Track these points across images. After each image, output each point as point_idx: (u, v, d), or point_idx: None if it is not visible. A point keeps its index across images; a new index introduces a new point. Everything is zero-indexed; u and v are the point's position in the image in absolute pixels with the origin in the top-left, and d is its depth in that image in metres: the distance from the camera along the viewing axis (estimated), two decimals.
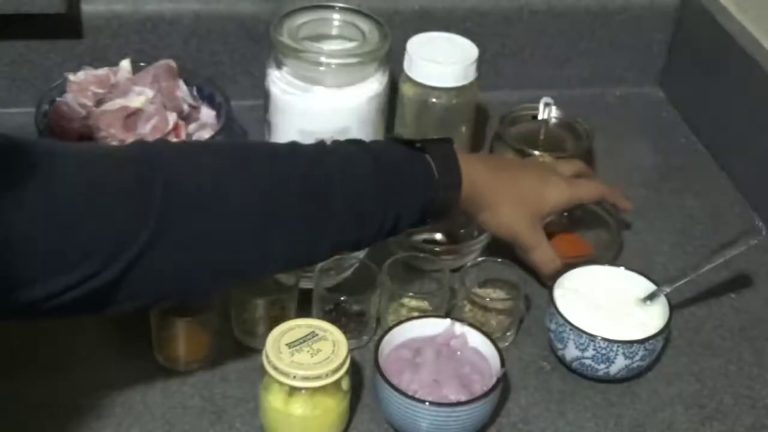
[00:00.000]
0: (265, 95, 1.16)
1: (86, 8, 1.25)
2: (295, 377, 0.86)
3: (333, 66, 1.10)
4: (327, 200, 0.85)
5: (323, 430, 0.91)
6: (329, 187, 0.86)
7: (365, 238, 0.90)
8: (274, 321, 0.99)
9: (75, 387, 0.94)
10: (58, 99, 1.16)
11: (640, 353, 0.97)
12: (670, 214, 1.25)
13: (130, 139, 1.11)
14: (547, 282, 1.05)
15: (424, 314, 1.01)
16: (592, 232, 1.16)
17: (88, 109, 1.15)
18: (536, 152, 1.19)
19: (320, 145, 0.93)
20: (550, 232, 1.14)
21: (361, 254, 1.06)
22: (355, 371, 0.96)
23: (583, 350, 0.98)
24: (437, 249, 1.11)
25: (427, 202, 0.91)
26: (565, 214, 1.12)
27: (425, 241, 1.15)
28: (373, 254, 1.13)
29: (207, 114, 1.19)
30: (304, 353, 0.88)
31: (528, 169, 1.07)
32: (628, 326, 0.99)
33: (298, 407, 0.88)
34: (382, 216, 0.89)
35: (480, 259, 1.09)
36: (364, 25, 1.16)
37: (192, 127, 1.18)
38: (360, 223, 0.88)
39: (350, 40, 1.15)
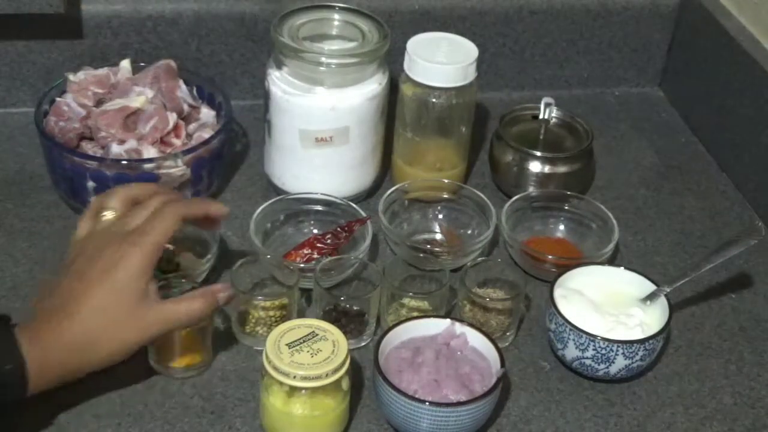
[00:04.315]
0: (265, 95, 1.16)
1: (86, 8, 1.25)
2: (295, 377, 0.86)
3: (333, 66, 1.10)
4: None
5: (323, 430, 0.91)
6: None
7: None
8: (275, 321, 0.99)
9: (75, 387, 0.93)
10: (58, 99, 1.16)
11: (640, 353, 0.97)
12: (670, 214, 1.25)
13: (130, 139, 1.11)
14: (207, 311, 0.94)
15: (424, 314, 1.01)
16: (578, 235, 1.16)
17: (88, 109, 1.15)
18: (537, 152, 1.20)
19: None
20: (543, 239, 1.15)
21: (361, 254, 1.06)
22: (355, 371, 0.96)
23: (583, 350, 0.98)
24: (437, 249, 1.11)
25: None
26: None
27: (425, 241, 1.15)
28: (373, 254, 1.13)
29: (207, 114, 1.19)
30: (304, 353, 0.88)
31: (85, 267, 0.91)
32: (628, 326, 0.99)
33: (298, 407, 0.88)
34: None
35: (480, 259, 1.09)
36: (364, 25, 1.16)
37: (192, 127, 1.18)
38: None
39: (350, 40, 1.15)
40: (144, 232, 0.91)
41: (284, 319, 0.99)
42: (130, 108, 1.13)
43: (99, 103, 1.16)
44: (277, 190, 1.19)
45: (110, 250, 0.91)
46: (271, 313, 1.00)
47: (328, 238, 1.08)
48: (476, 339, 0.96)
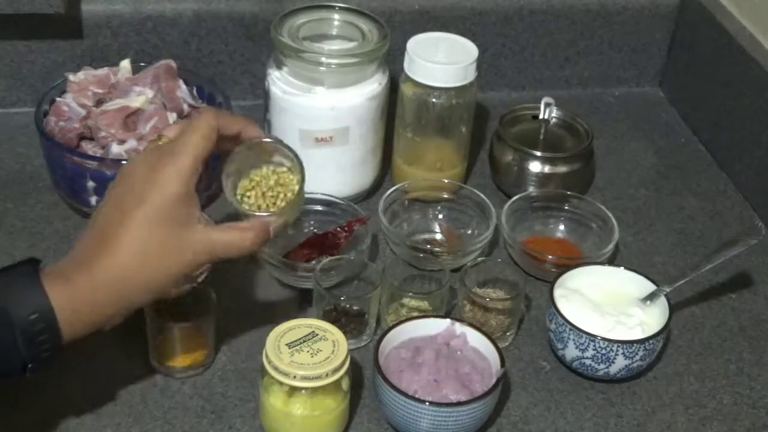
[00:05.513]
0: (265, 95, 1.16)
1: (86, 8, 1.25)
2: (295, 377, 0.86)
3: (333, 66, 1.10)
4: None
5: (323, 430, 0.91)
6: None
7: None
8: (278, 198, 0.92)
9: (75, 387, 0.94)
10: (58, 99, 1.16)
11: (640, 353, 0.97)
12: (670, 214, 1.25)
13: (130, 139, 1.11)
14: (250, 246, 0.86)
15: (424, 314, 1.01)
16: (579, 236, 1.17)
17: (88, 109, 1.15)
18: (537, 152, 1.20)
19: None
20: (543, 239, 1.15)
21: (361, 254, 1.06)
22: (355, 371, 0.96)
23: (583, 350, 0.98)
24: (437, 249, 1.11)
25: (6, 334, 0.79)
26: None
27: (425, 241, 1.15)
28: (373, 254, 1.13)
29: None
30: (304, 353, 0.88)
31: (122, 194, 0.84)
32: (628, 326, 0.99)
33: (298, 407, 0.88)
34: None
35: (480, 259, 1.09)
36: (364, 25, 1.16)
37: None
38: None
39: (350, 40, 1.15)
40: (176, 150, 0.83)
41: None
42: (130, 108, 1.13)
43: (99, 103, 1.16)
44: None
45: (144, 173, 0.83)
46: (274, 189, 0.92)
47: (328, 238, 1.08)
48: (476, 339, 0.96)
